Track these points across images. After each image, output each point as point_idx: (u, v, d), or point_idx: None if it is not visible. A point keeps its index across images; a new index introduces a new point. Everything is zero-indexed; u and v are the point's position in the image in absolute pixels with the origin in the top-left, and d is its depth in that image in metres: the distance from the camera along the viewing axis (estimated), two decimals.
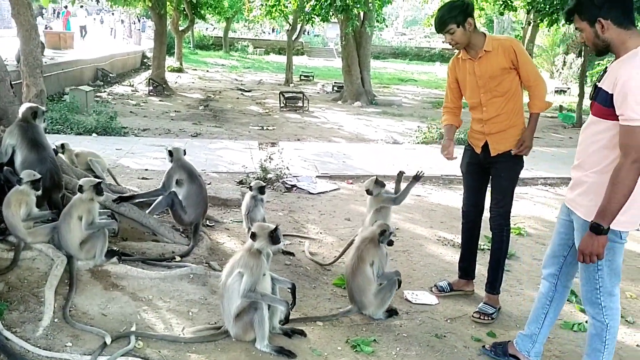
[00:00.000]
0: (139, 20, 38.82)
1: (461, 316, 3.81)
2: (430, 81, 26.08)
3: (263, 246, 3.12)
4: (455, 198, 6.86)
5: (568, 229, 2.88)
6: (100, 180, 3.67)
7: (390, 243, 3.72)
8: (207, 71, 25.21)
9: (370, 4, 15.14)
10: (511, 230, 5.13)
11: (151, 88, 15.95)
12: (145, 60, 25.29)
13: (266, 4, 17.19)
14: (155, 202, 4.38)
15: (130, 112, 12.42)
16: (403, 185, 4.39)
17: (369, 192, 4.27)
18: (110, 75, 18.11)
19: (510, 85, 3.62)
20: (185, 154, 4.58)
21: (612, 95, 2.47)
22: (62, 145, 5.02)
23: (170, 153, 4.41)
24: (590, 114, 2.71)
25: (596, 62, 27.84)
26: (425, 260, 4.81)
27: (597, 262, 2.64)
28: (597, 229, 2.54)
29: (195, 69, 25.55)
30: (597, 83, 2.67)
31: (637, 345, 3.57)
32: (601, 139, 2.60)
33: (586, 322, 3.76)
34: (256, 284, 3.09)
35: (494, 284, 3.87)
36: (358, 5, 14.28)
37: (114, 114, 10.29)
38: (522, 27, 24.95)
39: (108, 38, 32.26)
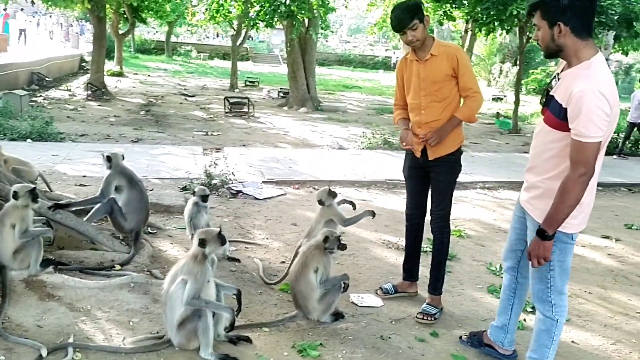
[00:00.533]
0: (78, 23, 37.55)
1: (405, 317, 3.87)
2: (374, 88, 26.47)
3: (208, 251, 3.06)
4: (399, 202, 6.97)
5: (523, 225, 3.00)
6: (34, 186, 3.51)
7: (343, 247, 3.73)
8: (149, 75, 24.66)
9: (315, 11, 15.24)
10: (452, 233, 5.28)
11: (89, 92, 15.45)
12: (83, 64, 24.46)
13: (210, 9, 17.02)
14: (94, 209, 4.22)
15: (68, 117, 11.97)
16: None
17: (321, 202, 4.24)
18: (47, 79, 17.40)
19: (449, 92, 3.70)
20: (123, 159, 4.45)
21: (565, 108, 2.53)
22: None
23: (109, 159, 4.27)
24: (541, 120, 2.77)
25: (531, 71, 29.12)
26: (371, 263, 4.86)
27: (550, 262, 2.75)
28: (542, 234, 2.65)
29: (136, 73, 24.94)
30: (548, 89, 2.74)
31: (572, 342, 3.73)
32: (554, 147, 2.67)
33: (524, 320, 3.93)
34: (200, 291, 3.03)
35: (436, 285, 3.95)
36: (303, 12, 14.35)
37: (50, 118, 9.89)
38: (460, 37, 25.77)
39: (47, 41, 31.02)
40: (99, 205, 4.20)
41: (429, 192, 3.98)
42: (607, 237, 6.07)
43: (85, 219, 4.19)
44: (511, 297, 3.23)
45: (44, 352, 2.80)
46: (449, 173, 3.82)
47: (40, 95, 15.08)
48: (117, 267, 3.89)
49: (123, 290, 3.59)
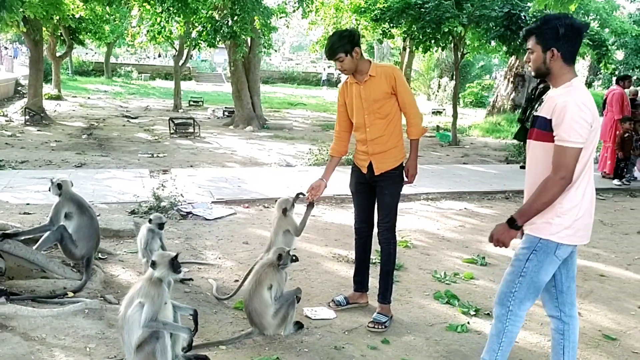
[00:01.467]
0: (12, 46, 36.30)
1: (357, 327, 4.04)
2: (318, 105, 26.85)
3: (164, 274, 3.13)
4: (347, 216, 7.18)
5: None
6: None
7: (295, 259, 3.87)
8: (89, 98, 24.12)
9: (258, 31, 15.42)
10: (398, 243, 5.53)
11: (28, 117, 14.99)
12: (19, 88, 23.68)
13: (151, 30, 16.90)
14: (43, 237, 4.20)
15: (6, 143, 11.61)
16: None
17: (285, 211, 4.29)
18: None
19: (390, 109, 3.96)
20: (72, 185, 4.45)
21: (550, 120, 2.75)
22: None
23: (59, 186, 4.26)
24: (530, 142, 2.93)
25: (467, 85, 30.31)
26: (323, 277, 5.02)
27: (523, 268, 2.87)
28: (511, 222, 2.83)
29: (75, 96, 24.34)
30: (534, 113, 2.94)
31: (532, 344, 3.97)
32: (543, 160, 2.82)
33: (468, 323, 4.17)
34: (157, 313, 3.09)
35: (385, 294, 4.14)
36: (245, 32, 14.50)
37: None
38: (399, 53, 26.59)
39: None
40: (48, 233, 4.18)
41: (375, 206, 4.18)
42: None
43: (34, 247, 4.16)
44: (561, 341, 3.05)
45: None
46: (393, 187, 4.06)
47: None
48: (70, 294, 3.88)
49: (77, 316, 3.59)
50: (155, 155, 11.10)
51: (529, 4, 12.51)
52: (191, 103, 22.81)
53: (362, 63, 3.92)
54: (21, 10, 11.50)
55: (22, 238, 4.17)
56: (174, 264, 3.17)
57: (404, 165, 4.09)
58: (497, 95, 21.09)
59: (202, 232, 6.16)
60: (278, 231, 4.30)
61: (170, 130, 14.17)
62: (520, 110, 12.38)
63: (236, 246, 5.76)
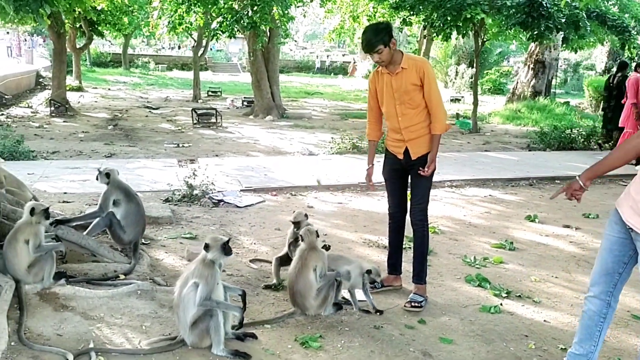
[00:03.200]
0: (31, 38, 36.76)
1: (393, 308, 4.20)
2: (335, 93, 26.93)
3: (216, 257, 3.32)
4: (373, 203, 7.34)
5: (623, 247, 2.92)
6: (48, 206, 3.69)
7: (327, 248, 4.06)
8: (109, 89, 24.45)
9: (277, 21, 15.54)
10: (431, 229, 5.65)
11: (53, 109, 15.31)
12: (40, 80, 24.07)
13: (171, 21, 17.08)
14: (93, 223, 4.41)
15: (35, 134, 11.90)
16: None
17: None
18: (6, 97, 17.13)
19: (421, 100, 4.09)
20: (118, 174, 4.65)
21: None
22: None
23: (107, 175, 4.46)
24: None
25: (485, 72, 30.14)
26: None
27: None
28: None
29: (96, 87, 24.70)
30: None
31: (545, 321, 4.12)
32: None
33: (500, 304, 4.32)
34: (211, 292, 3.29)
35: (420, 275, 4.31)
36: (265, 22, 14.62)
37: (21, 137, 9.86)
38: (417, 41, 26.52)
39: (5, 58, 30.67)
40: (98, 219, 4.39)
41: (408, 190, 4.33)
42: (567, 226, 6.55)
43: (85, 233, 4.37)
44: (600, 324, 3.03)
45: (70, 357, 3.00)
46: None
47: (2, 114, 14.87)
48: (122, 276, 4.09)
49: (131, 297, 3.80)
50: (180, 145, 11.33)
51: None
52: (209, 93, 23.02)
53: (395, 54, 4.05)
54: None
55: (74, 224, 4.38)
56: (226, 247, 3.36)
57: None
58: (517, 82, 20.99)
59: (234, 219, 6.34)
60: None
61: (193, 120, 14.38)
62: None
63: (269, 232, 5.94)
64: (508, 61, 40.10)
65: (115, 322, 3.53)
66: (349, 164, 9.70)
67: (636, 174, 2.91)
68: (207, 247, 3.33)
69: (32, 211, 3.55)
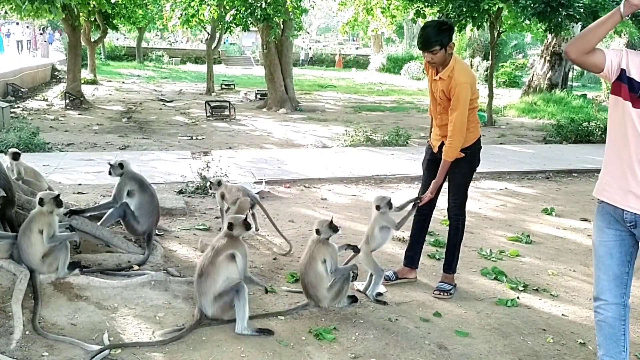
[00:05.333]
0: (47, 31, 37.03)
1: (408, 301, 4.15)
2: (349, 87, 26.80)
3: (239, 233, 3.45)
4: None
5: (624, 244, 2.82)
6: (58, 193, 3.69)
7: (335, 229, 3.87)
8: (123, 82, 24.54)
9: (290, 13, 15.47)
10: (441, 222, 5.61)
11: (68, 102, 15.39)
12: (55, 73, 24.23)
13: (184, 13, 17.08)
14: (107, 214, 4.42)
15: (50, 127, 11.98)
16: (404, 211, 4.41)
17: (378, 207, 4.23)
18: (22, 90, 17.27)
19: None
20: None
21: None
22: (18, 154, 4.99)
23: (121, 165, 4.46)
24: None
25: (500, 64, 29.83)
26: None
27: None
28: None
29: (110, 81, 24.80)
30: None
31: (562, 315, 4.05)
32: None
33: (517, 298, 4.25)
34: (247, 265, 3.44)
35: (450, 264, 4.31)
36: (279, 15, 14.56)
37: (36, 129, 9.93)
38: None
39: (24, 51, 31.12)
40: (112, 210, 4.39)
41: (442, 187, 4.28)
42: (585, 220, 6.44)
43: (99, 223, 4.37)
44: (622, 327, 2.87)
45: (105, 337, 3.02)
46: (464, 166, 4.11)
47: (18, 107, 14.99)
48: (135, 267, 4.08)
49: (145, 288, 3.79)
50: (194, 137, 11.34)
51: None
52: (223, 86, 23.02)
53: (448, 58, 3.92)
54: None
55: (88, 215, 4.39)
56: (247, 224, 3.52)
57: (478, 145, 4.19)
58: (533, 75, 20.72)
59: None
60: (374, 225, 4.25)
61: (206, 113, 14.39)
62: None
63: (282, 224, 5.89)
64: (523, 54, 39.61)
65: (129, 312, 3.53)
66: (362, 156, 9.64)
67: None
68: (230, 226, 3.44)
69: (41, 201, 3.55)
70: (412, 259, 4.49)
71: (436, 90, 4.02)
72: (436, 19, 12.17)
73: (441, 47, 3.80)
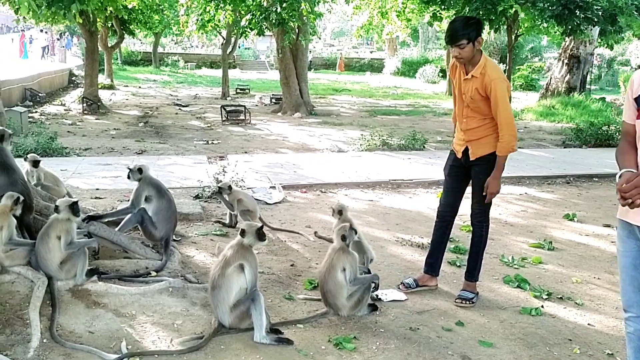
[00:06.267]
0: (65, 37, 37.50)
1: (429, 310, 4.06)
2: (363, 90, 26.73)
3: (252, 242, 3.37)
4: (405, 201, 7.19)
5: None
6: (76, 200, 3.66)
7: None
8: (140, 87, 24.72)
9: (304, 17, 15.46)
10: (461, 228, 5.52)
11: (85, 106, 15.51)
12: (72, 78, 24.49)
13: (200, 19, 17.17)
14: (125, 219, 4.39)
15: (68, 131, 12.07)
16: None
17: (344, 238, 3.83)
18: (40, 94, 17.45)
19: (488, 110, 3.87)
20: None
21: None
22: (38, 162, 5.00)
23: (140, 170, 4.44)
24: None
25: (517, 67, 29.56)
26: (388, 260, 5.05)
27: None
28: None
29: (127, 86, 24.98)
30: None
31: (589, 324, 3.94)
32: None
33: (542, 306, 4.14)
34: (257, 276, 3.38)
35: (472, 272, 4.21)
36: (293, 19, 14.55)
37: (54, 134, 9.99)
38: None
39: (41, 57, 31.65)
40: (130, 215, 4.36)
41: (464, 193, 4.24)
42: (608, 226, 6.30)
43: (117, 229, 4.35)
44: None
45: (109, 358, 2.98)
46: (489, 171, 3.96)
47: (36, 111, 15.14)
48: (153, 273, 4.05)
49: (163, 294, 3.75)
50: (210, 142, 11.34)
51: None
52: (238, 91, 23.07)
53: (476, 54, 3.83)
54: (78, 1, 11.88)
55: (106, 220, 4.37)
56: (260, 234, 3.42)
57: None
58: (550, 78, 20.47)
59: (265, 215, 6.25)
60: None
61: (222, 117, 14.40)
62: None
63: (300, 229, 5.84)
64: (540, 57, 39.27)
65: (147, 320, 3.49)
66: (379, 161, 9.56)
67: None
68: (243, 233, 3.37)
69: (57, 208, 3.53)
70: (432, 266, 4.40)
71: (467, 90, 3.89)
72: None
73: (469, 41, 3.72)
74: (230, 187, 5.71)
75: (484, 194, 3.98)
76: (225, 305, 3.31)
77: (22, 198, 3.58)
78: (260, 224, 3.49)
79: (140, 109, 16.81)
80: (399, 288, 4.38)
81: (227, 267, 3.32)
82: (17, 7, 11.64)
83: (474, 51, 3.79)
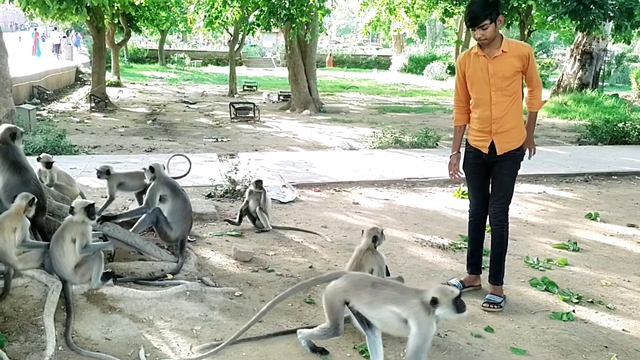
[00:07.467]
0: (71, 34, 37.49)
1: None
2: (371, 87, 26.54)
3: (444, 314, 2.76)
4: (421, 200, 7.03)
5: None
6: (92, 202, 3.52)
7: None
8: (147, 85, 24.63)
9: (312, 14, 15.28)
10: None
11: (93, 104, 15.41)
12: (79, 76, 24.41)
13: (208, 15, 17.01)
14: (139, 220, 4.24)
15: (76, 129, 11.95)
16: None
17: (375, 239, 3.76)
18: (47, 92, 17.36)
19: (517, 87, 3.86)
20: (164, 169, 4.49)
21: None
22: (51, 163, 4.85)
23: (152, 169, 4.29)
24: None
25: None
26: (409, 262, 4.89)
27: None
28: None
29: (134, 83, 24.90)
30: None
31: (623, 330, 3.77)
32: None
33: (573, 311, 3.97)
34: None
35: (497, 276, 4.07)
36: (301, 15, 14.38)
37: (63, 132, 9.87)
38: (456, 32, 25.90)
39: (51, 54, 31.69)
40: (144, 216, 4.22)
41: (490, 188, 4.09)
42: (632, 226, 6.13)
43: (131, 230, 4.21)
44: None
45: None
46: (513, 167, 3.95)
47: (44, 109, 15.04)
48: (169, 276, 3.90)
49: (180, 299, 3.61)
50: (219, 139, 11.20)
51: None
52: (245, 88, 22.95)
53: (497, 35, 3.78)
54: None
55: (120, 221, 4.23)
56: (458, 302, 2.76)
57: (523, 147, 3.97)
58: (562, 74, 20.21)
59: (279, 215, 6.13)
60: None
61: (230, 114, 14.26)
62: None
63: (316, 229, 5.69)
64: (548, 54, 38.92)
65: (165, 326, 3.34)
66: (392, 159, 9.39)
67: None
68: (434, 302, 2.74)
69: (72, 210, 3.39)
70: (476, 265, 4.28)
71: (498, 69, 3.78)
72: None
73: (491, 21, 3.66)
74: (108, 172, 5.18)
75: (532, 155, 4.03)
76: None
77: (36, 199, 3.44)
78: (458, 292, 2.77)
79: (147, 107, 16.70)
80: None
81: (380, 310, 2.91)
82: (26, 4, 11.56)
83: (497, 31, 3.73)
